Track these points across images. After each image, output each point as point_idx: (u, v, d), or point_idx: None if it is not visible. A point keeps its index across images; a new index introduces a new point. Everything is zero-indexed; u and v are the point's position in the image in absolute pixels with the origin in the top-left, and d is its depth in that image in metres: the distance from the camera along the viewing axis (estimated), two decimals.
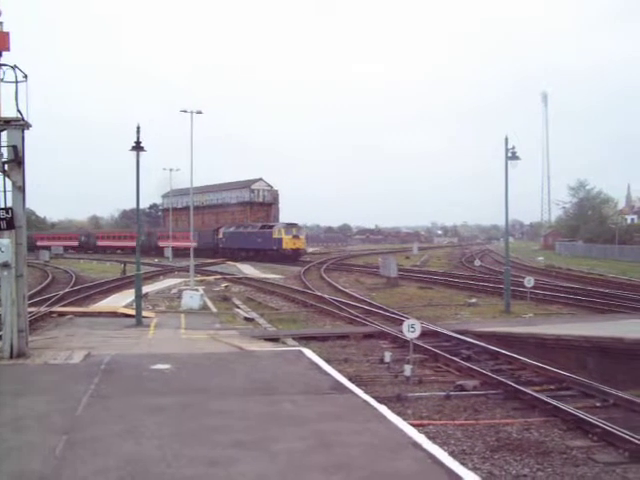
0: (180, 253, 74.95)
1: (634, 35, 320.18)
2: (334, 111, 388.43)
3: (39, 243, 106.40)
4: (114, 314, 24.38)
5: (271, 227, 69.94)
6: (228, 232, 77.88)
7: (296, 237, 67.40)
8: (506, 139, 26.63)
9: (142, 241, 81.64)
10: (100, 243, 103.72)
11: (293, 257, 65.74)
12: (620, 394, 12.56)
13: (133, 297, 24.38)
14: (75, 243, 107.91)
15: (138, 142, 22.76)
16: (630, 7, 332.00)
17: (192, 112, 38.79)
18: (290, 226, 68.93)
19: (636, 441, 9.63)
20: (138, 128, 22.82)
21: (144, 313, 22.96)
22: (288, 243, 66.32)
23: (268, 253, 68.00)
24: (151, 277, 46.31)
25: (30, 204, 18.15)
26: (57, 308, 25.55)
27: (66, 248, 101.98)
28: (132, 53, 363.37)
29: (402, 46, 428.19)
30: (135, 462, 7.14)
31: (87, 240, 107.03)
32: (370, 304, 28.43)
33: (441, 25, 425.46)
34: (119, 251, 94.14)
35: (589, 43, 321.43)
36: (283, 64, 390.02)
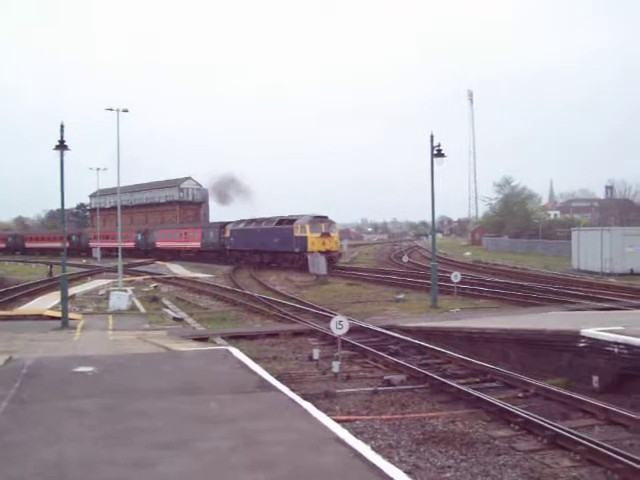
0: (182, 256, 68.28)
1: (569, 40, 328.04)
2: (272, 107, 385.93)
3: (28, 244, 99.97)
4: (40, 317, 23.82)
5: (292, 222, 50.88)
6: (236, 230, 59.78)
7: (326, 235, 48.80)
8: (431, 137, 27.06)
9: (140, 242, 77.73)
10: (94, 244, 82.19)
11: None
12: (540, 384, 12.95)
13: (60, 299, 23.85)
14: (66, 244, 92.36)
15: (62, 141, 22.25)
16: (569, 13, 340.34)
17: (118, 110, 38.52)
18: (318, 220, 50.06)
19: (553, 428, 9.96)
20: (62, 127, 22.31)
21: (71, 315, 22.52)
22: (315, 244, 47.68)
23: (288, 257, 51.13)
24: (79, 278, 45.62)
25: None
26: None
27: (55, 250, 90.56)
28: (86, 45, 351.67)
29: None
30: (54, 467, 6.98)
31: (79, 240, 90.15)
32: (300, 302, 28.52)
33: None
34: (114, 254, 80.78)
35: (525, 47, 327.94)
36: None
